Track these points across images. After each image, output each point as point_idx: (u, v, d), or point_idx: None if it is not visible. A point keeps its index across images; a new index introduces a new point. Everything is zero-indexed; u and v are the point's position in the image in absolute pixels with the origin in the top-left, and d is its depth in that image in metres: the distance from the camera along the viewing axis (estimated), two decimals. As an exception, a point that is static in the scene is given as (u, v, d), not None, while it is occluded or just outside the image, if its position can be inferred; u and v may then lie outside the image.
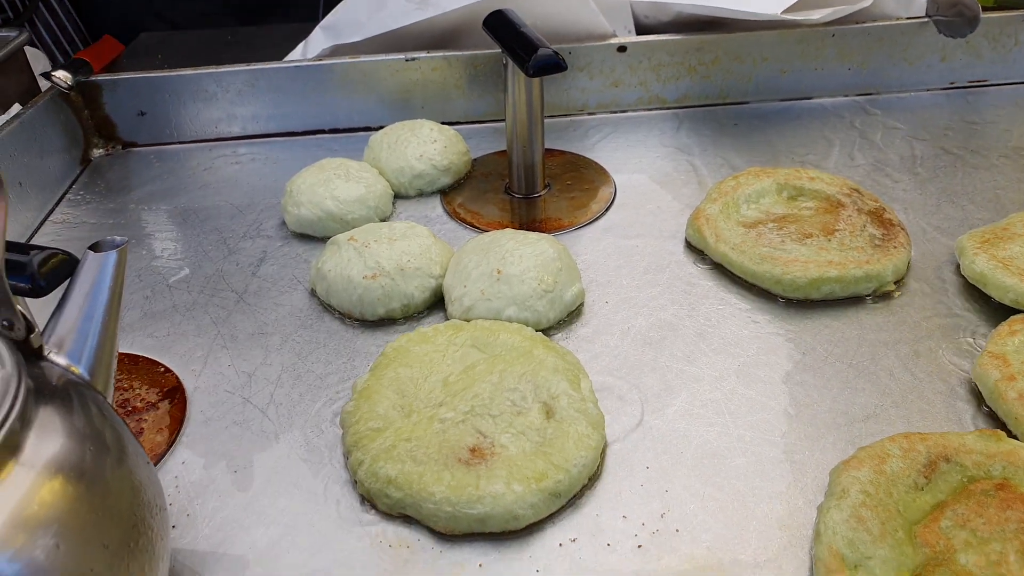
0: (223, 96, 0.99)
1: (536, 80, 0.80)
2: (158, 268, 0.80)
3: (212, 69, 0.97)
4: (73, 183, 0.95)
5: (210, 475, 0.58)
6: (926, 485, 0.52)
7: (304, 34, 1.06)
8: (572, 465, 0.54)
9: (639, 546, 0.52)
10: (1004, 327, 0.64)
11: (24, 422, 0.41)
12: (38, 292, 0.51)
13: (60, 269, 0.52)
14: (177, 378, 0.67)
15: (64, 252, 0.53)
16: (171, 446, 0.61)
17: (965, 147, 0.92)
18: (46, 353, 0.47)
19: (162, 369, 0.68)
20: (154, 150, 1.00)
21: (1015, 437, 0.56)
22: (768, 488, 0.55)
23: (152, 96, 0.98)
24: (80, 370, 0.48)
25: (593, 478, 0.56)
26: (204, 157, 0.99)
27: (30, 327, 0.46)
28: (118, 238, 0.51)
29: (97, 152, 1.00)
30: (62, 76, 0.91)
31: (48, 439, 0.41)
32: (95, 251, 0.50)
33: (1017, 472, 0.52)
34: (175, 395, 0.65)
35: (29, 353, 0.46)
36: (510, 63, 0.79)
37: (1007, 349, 0.61)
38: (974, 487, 0.52)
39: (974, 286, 0.70)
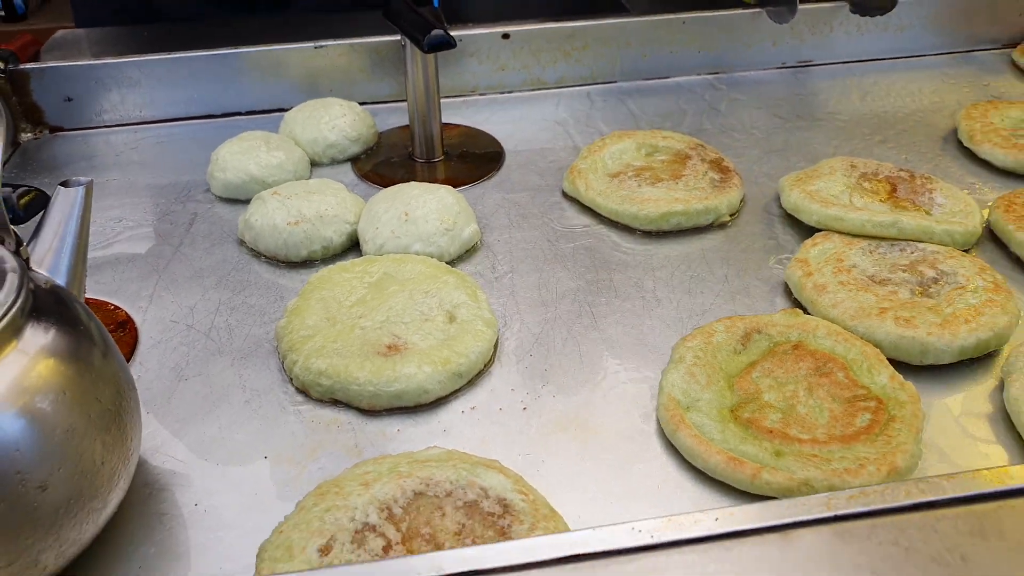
0: (146, 82, 1.08)
1: (431, 58, 0.94)
2: (96, 231, 0.89)
3: (135, 58, 1.06)
4: (3, 165, 1.03)
5: (163, 383, 0.69)
6: (743, 350, 0.68)
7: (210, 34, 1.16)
8: (471, 351, 0.68)
9: (524, 408, 0.66)
10: (809, 241, 0.81)
11: (24, 311, 0.51)
12: (17, 221, 0.61)
13: (35, 202, 0.63)
14: (126, 313, 0.76)
15: (37, 188, 0.63)
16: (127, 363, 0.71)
17: (792, 113, 1.11)
18: (31, 266, 0.57)
19: (112, 307, 0.77)
20: (81, 134, 1.08)
21: (809, 313, 0.73)
22: (627, 364, 0.70)
23: (78, 83, 1.06)
24: (59, 282, 0.58)
25: (488, 364, 0.70)
26: (130, 138, 1.08)
27: (19, 241, 0.56)
28: (83, 179, 0.61)
29: (26, 136, 1.07)
30: (-6, 63, 0.99)
31: (45, 327, 0.51)
32: (65, 187, 0.60)
33: (808, 336, 0.68)
34: (126, 326, 0.75)
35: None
36: (408, 44, 0.92)
37: (809, 256, 0.78)
38: (777, 348, 0.68)
39: (791, 215, 0.87)
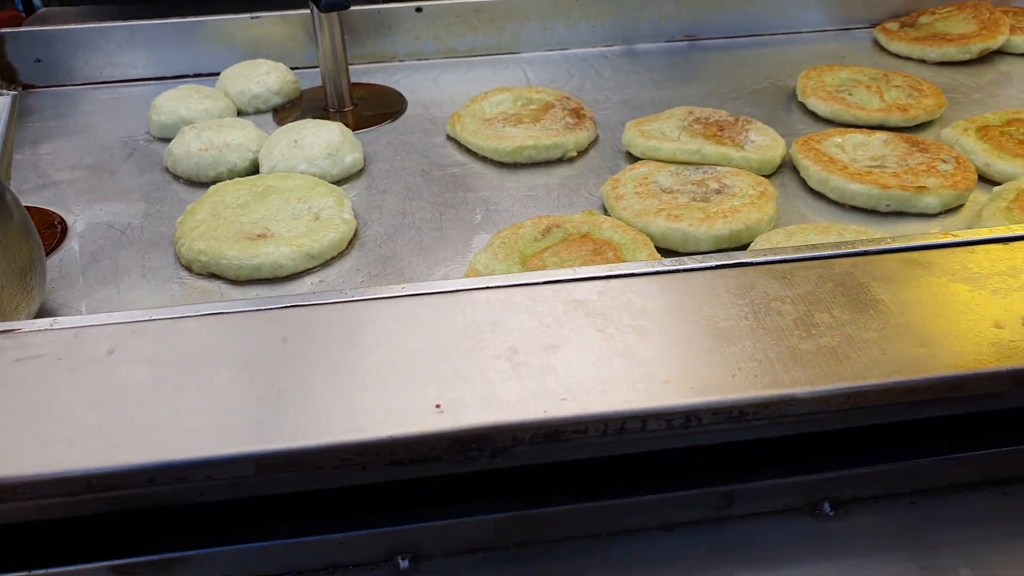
0: (106, 47, 1.26)
1: (336, 21, 1.11)
2: (49, 162, 1.07)
3: (96, 24, 1.25)
4: (-17, 114, 1.21)
5: (80, 263, 0.85)
6: (542, 239, 0.84)
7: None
8: (324, 239, 0.84)
9: (362, 281, 0.82)
10: (630, 166, 0.96)
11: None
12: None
13: (-27, 108, 0.80)
14: (61, 216, 0.94)
15: (-24, 97, 0.80)
16: (55, 250, 0.88)
17: (666, 78, 1.26)
18: (-36, 151, 0.75)
19: (50, 212, 0.94)
20: (50, 91, 1.27)
21: (607, 216, 0.88)
22: (457, 253, 0.86)
23: (47, 47, 1.25)
24: (-12, 166, 0.76)
25: (343, 252, 0.86)
26: (91, 95, 1.26)
27: (-47, 130, 0.73)
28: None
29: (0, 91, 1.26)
30: (-26, 25, 1.18)
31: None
32: (-5, 96, 0.78)
33: (595, 228, 0.84)
34: (59, 226, 0.92)
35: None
36: (314, 8, 1.09)
37: (623, 177, 0.94)
38: (569, 238, 0.83)
39: (630, 152, 1.03)
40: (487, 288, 0.53)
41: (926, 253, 0.55)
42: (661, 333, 0.49)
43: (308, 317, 0.52)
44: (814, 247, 0.55)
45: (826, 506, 0.53)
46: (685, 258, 0.55)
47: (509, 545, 0.52)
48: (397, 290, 0.54)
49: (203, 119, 1.10)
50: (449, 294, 0.53)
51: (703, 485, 0.51)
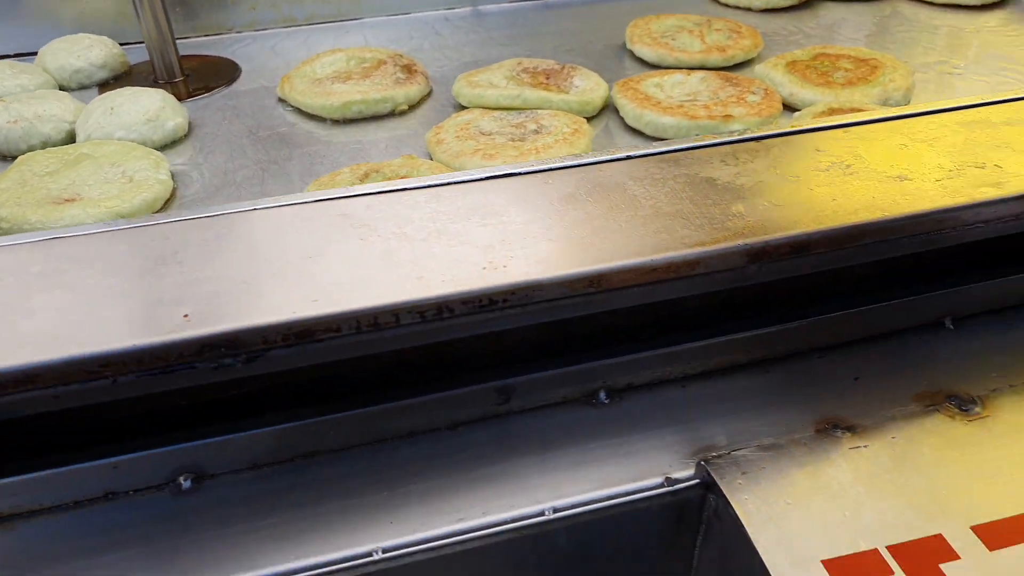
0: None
1: (155, -10, 1.08)
2: None
3: (-100, 4, 1.18)
4: None
5: None
6: (359, 184, 0.84)
7: None
8: (135, 199, 0.82)
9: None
10: (456, 114, 0.98)
11: None
12: None
13: None
14: None
15: None
16: None
17: (507, 36, 1.28)
18: None
19: None
20: None
21: (426, 159, 0.90)
22: (275, 206, 0.85)
23: None
24: None
25: (158, 212, 0.84)
26: (-98, 79, 1.19)
27: None
28: None
29: None
30: None
31: None
32: None
33: (413, 171, 0.84)
34: None
35: None
36: (130, -26, 1.06)
37: (446, 124, 0.95)
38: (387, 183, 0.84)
39: (461, 104, 1.04)
40: (255, 209, 0.54)
41: (685, 153, 0.58)
42: (422, 239, 0.51)
43: (75, 247, 0.51)
44: (578, 156, 0.58)
45: (602, 394, 0.55)
46: (457, 172, 0.57)
47: (294, 457, 0.52)
48: (161, 218, 0.54)
49: (16, 94, 1.05)
50: (217, 217, 0.53)
51: (480, 382, 0.53)
